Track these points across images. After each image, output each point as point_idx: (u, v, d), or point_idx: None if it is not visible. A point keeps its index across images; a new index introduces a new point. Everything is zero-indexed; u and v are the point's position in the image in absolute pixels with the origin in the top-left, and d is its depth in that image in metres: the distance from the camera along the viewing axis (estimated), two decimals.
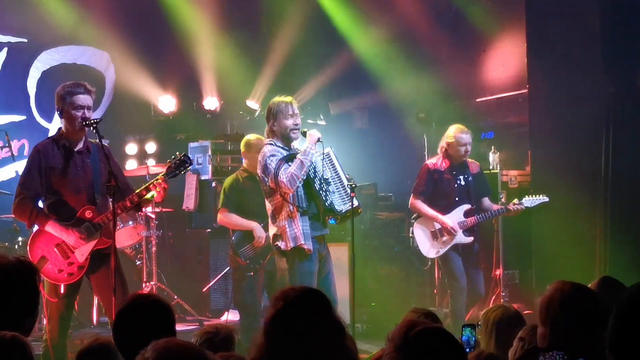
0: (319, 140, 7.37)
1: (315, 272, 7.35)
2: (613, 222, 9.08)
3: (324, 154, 7.46)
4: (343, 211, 7.48)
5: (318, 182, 7.41)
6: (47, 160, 6.67)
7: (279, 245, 7.37)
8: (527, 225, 9.78)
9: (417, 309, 4.72)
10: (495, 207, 8.97)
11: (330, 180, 7.48)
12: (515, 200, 8.82)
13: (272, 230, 7.48)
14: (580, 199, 9.36)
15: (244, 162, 8.91)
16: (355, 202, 7.50)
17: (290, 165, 7.28)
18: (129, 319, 3.67)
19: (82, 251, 6.65)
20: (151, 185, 6.86)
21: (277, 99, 7.58)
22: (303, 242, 7.25)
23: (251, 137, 8.90)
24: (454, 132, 8.81)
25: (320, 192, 7.40)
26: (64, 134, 6.78)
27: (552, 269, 9.20)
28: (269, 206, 7.51)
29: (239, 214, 8.65)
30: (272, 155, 7.34)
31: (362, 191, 9.90)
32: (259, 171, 7.47)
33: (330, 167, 7.53)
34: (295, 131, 7.43)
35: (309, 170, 7.33)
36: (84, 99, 6.73)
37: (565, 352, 2.61)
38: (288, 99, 7.54)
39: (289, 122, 7.40)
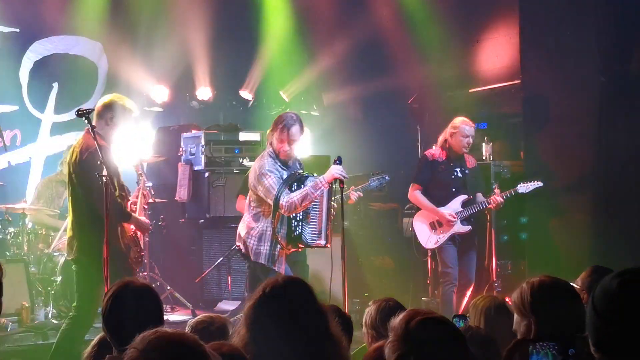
0: (337, 180, 7.23)
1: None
2: (606, 212, 9.09)
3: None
4: (310, 244, 7.48)
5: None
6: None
7: (241, 248, 7.41)
8: (520, 216, 9.80)
9: (375, 300, 4.80)
10: (484, 200, 8.99)
11: (310, 211, 7.39)
12: (497, 191, 8.85)
13: (243, 229, 7.45)
14: (573, 189, 9.37)
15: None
16: (324, 242, 7.45)
17: (292, 190, 7.21)
18: (120, 302, 3.68)
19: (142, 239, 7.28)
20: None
21: (285, 114, 7.47)
22: (264, 262, 7.28)
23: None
24: (460, 122, 8.83)
25: (293, 220, 7.33)
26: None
27: (545, 260, 9.22)
28: (248, 208, 7.47)
29: None
30: (271, 172, 7.22)
31: (357, 182, 9.86)
32: (252, 178, 7.36)
33: (325, 200, 7.46)
34: (286, 156, 7.32)
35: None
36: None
37: (557, 343, 2.61)
38: (292, 119, 7.34)
39: (280, 146, 7.29)
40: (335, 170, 7.21)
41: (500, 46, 11.04)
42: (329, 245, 7.54)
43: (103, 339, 4.02)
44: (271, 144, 7.35)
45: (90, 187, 6.70)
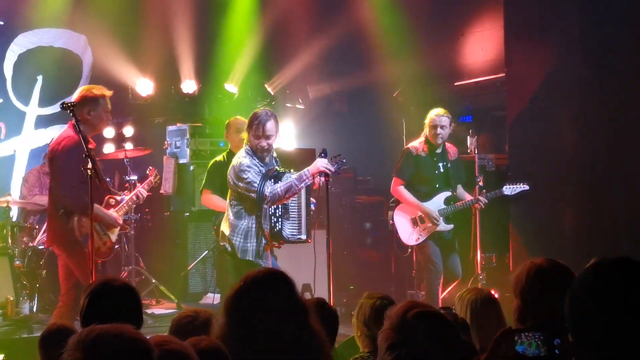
0: (323, 174, 7.28)
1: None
2: (590, 205, 9.13)
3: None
4: (290, 239, 7.49)
5: (279, 205, 7.38)
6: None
7: (227, 247, 7.41)
8: (504, 209, 9.83)
9: (371, 294, 4.81)
10: (468, 197, 8.99)
11: (289, 207, 7.43)
12: (484, 191, 8.88)
13: (226, 228, 7.45)
14: (557, 181, 9.41)
15: (230, 144, 8.97)
16: (305, 237, 7.48)
17: (272, 182, 7.22)
18: (98, 301, 3.68)
19: (114, 235, 7.47)
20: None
21: (259, 110, 7.49)
22: (252, 259, 7.30)
23: (232, 119, 9.00)
24: (431, 113, 8.83)
25: (272, 217, 7.35)
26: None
27: (529, 253, 9.26)
28: (229, 207, 7.48)
29: (221, 196, 8.65)
30: (250, 167, 7.24)
31: (342, 175, 9.89)
32: (231, 176, 7.37)
33: (304, 195, 7.50)
34: (262, 152, 7.34)
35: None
36: None
37: (542, 333, 2.64)
38: (267, 115, 7.37)
39: (255, 142, 7.31)
40: (320, 164, 7.23)
41: (485, 40, 11.07)
42: (310, 241, 7.57)
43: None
44: (248, 141, 7.36)
45: (57, 179, 7.15)
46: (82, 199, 6.80)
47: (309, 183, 7.30)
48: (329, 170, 7.25)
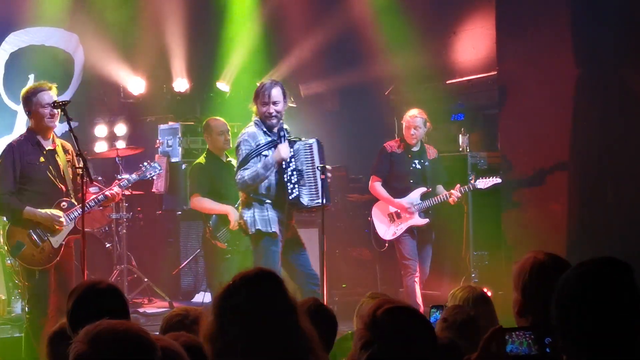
0: (284, 160, 7.40)
1: (277, 252, 7.42)
2: (581, 203, 9.14)
3: (306, 144, 7.49)
4: (308, 206, 7.52)
5: (290, 172, 7.42)
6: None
7: (243, 227, 7.45)
8: (496, 207, 9.83)
9: (374, 294, 4.81)
10: (444, 192, 9.09)
11: (304, 173, 7.49)
12: (457, 186, 8.95)
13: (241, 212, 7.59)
14: (549, 179, 9.42)
15: (208, 145, 8.99)
16: (324, 200, 7.50)
17: (249, 166, 7.34)
18: (84, 303, 3.68)
19: (57, 238, 6.93)
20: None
21: (264, 80, 7.71)
22: (260, 227, 7.37)
23: (210, 119, 9.03)
24: (407, 115, 9.05)
25: (288, 183, 7.42)
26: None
27: (522, 250, 9.26)
28: None
29: (211, 198, 8.65)
30: (245, 142, 7.37)
31: (334, 173, 9.89)
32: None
33: (309, 159, 7.54)
34: (270, 119, 7.44)
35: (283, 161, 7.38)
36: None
37: (533, 332, 2.64)
38: (272, 83, 7.59)
39: (263, 109, 7.43)
40: (280, 150, 7.37)
41: (476, 38, 11.07)
42: (329, 206, 7.71)
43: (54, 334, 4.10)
44: (257, 112, 7.50)
45: None
46: (8, 205, 6.78)
47: (274, 171, 7.38)
48: (285, 160, 7.37)
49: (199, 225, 10.37)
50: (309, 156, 7.52)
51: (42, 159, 6.86)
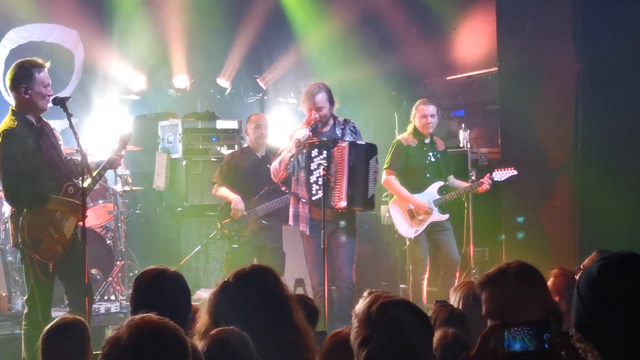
0: (300, 143, 7.67)
1: (315, 247, 7.67)
2: (583, 199, 9.14)
3: (338, 147, 7.64)
4: (335, 207, 7.66)
5: (317, 174, 7.57)
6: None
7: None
8: (497, 203, 9.84)
9: (371, 292, 4.79)
10: (465, 184, 9.03)
11: (333, 173, 7.60)
12: (489, 174, 8.90)
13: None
14: (550, 175, 9.43)
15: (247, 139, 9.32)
16: (344, 204, 7.67)
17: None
18: (151, 291, 3.84)
19: (69, 227, 6.61)
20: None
21: (312, 84, 7.94)
22: (293, 224, 7.84)
23: (252, 114, 9.49)
24: (418, 103, 8.96)
25: (314, 185, 7.59)
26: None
27: (523, 247, 9.26)
28: None
29: (228, 187, 8.91)
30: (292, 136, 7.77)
31: None
32: None
33: (339, 161, 7.63)
34: (317, 123, 7.76)
35: (311, 161, 7.61)
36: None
37: (532, 328, 2.64)
38: (317, 88, 7.83)
39: (309, 114, 7.81)
40: (296, 134, 7.74)
41: (477, 34, 11.06)
42: (359, 209, 7.98)
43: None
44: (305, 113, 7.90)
45: None
46: (33, 191, 6.38)
47: (293, 153, 7.68)
48: (300, 140, 7.64)
49: (199, 222, 10.40)
50: (339, 157, 7.66)
51: (41, 142, 6.63)
